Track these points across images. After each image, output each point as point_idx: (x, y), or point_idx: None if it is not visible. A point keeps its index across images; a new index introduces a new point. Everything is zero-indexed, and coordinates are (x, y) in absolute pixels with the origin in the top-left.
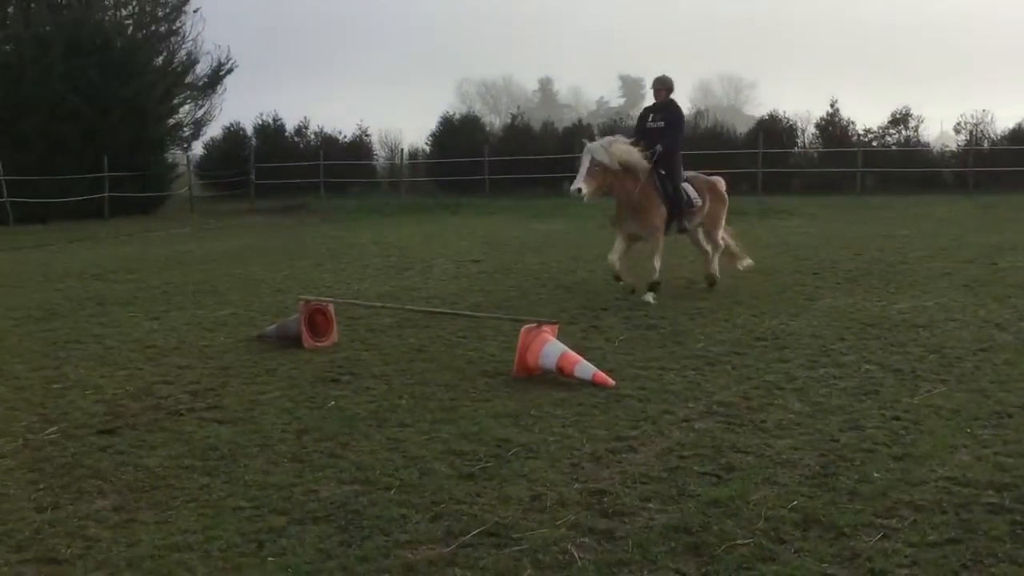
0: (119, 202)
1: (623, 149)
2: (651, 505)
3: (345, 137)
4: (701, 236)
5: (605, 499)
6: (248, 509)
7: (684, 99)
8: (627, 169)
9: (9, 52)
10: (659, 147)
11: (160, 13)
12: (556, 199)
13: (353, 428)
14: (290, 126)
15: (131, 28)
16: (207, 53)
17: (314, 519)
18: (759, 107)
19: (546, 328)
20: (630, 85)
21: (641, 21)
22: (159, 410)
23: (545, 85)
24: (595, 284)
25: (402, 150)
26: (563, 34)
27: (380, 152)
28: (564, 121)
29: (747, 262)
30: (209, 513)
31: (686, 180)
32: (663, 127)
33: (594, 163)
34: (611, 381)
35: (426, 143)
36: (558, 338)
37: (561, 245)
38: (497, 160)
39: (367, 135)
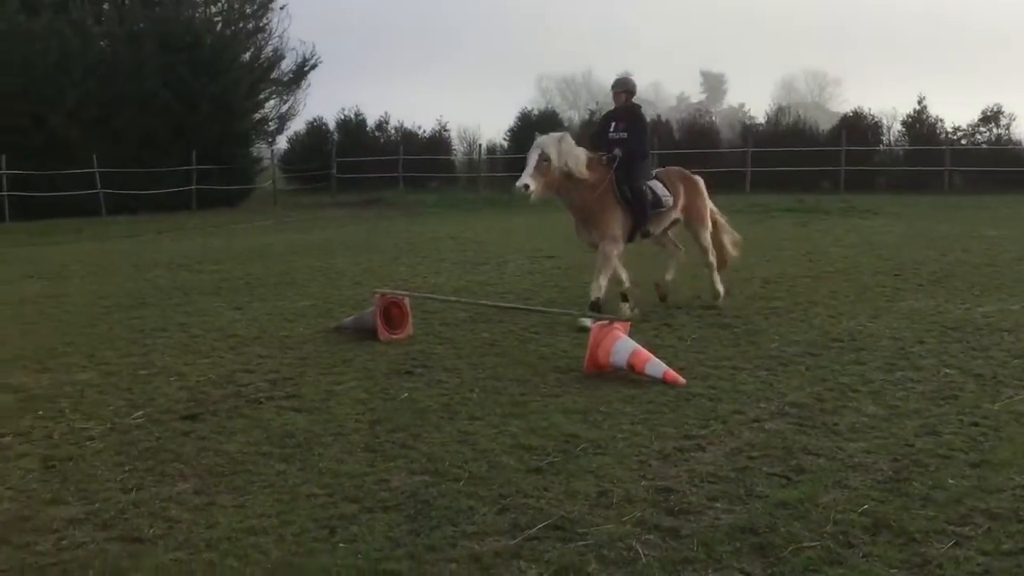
0: (206, 194)
1: (568, 152)
2: (718, 504)
3: (424, 132)
4: (673, 236)
5: (672, 497)
6: (322, 496)
7: (766, 96)
8: (569, 175)
9: (105, 49)
10: (618, 151)
11: (248, 10)
12: None
13: (425, 420)
14: (371, 121)
15: (220, 25)
16: (292, 49)
17: (384, 508)
18: (843, 104)
19: (618, 325)
20: (711, 80)
21: (724, 15)
22: (239, 397)
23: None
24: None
25: (480, 145)
26: (644, 28)
27: (459, 147)
28: None
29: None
30: (284, 499)
31: (655, 177)
32: (626, 138)
33: (543, 157)
34: (681, 379)
35: (504, 138)
36: (630, 335)
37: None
38: None
39: (446, 130)
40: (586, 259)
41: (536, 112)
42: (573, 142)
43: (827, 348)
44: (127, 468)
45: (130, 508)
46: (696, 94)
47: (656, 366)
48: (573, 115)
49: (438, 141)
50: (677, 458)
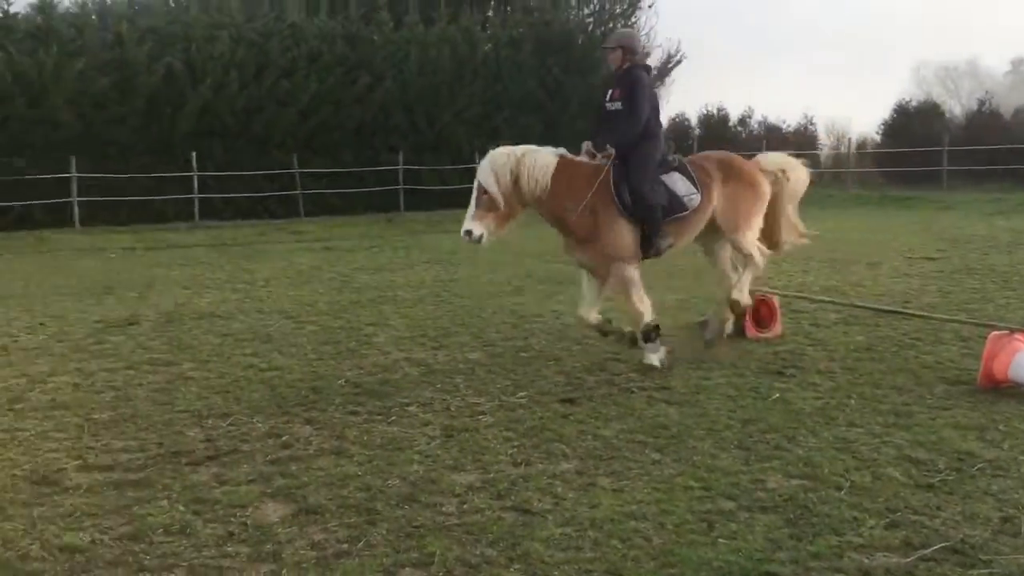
0: None
1: (522, 166)
2: None
3: (789, 126)
4: (720, 251)
5: None
6: (697, 489)
7: None
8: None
9: (488, 53)
10: (609, 148)
11: (618, 9)
12: None
13: (799, 423)
14: (734, 116)
15: (591, 26)
16: (658, 46)
17: (763, 508)
18: None
19: (1019, 336)
20: None
21: None
22: (612, 385)
23: (1018, 66)
24: None
25: (849, 140)
26: None
27: (825, 141)
28: None
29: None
30: (661, 488)
31: (677, 167)
32: (620, 111)
33: (481, 191)
34: None
35: (877, 132)
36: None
37: None
38: (957, 150)
39: (812, 124)
40: (972, 262)
41: (914, 104)
42: (532, 153)
43: None
44: (515, 443)
45: (520, 481)
46: None
47: None
48: (954, 106)
49: (803, 135)
50: None
